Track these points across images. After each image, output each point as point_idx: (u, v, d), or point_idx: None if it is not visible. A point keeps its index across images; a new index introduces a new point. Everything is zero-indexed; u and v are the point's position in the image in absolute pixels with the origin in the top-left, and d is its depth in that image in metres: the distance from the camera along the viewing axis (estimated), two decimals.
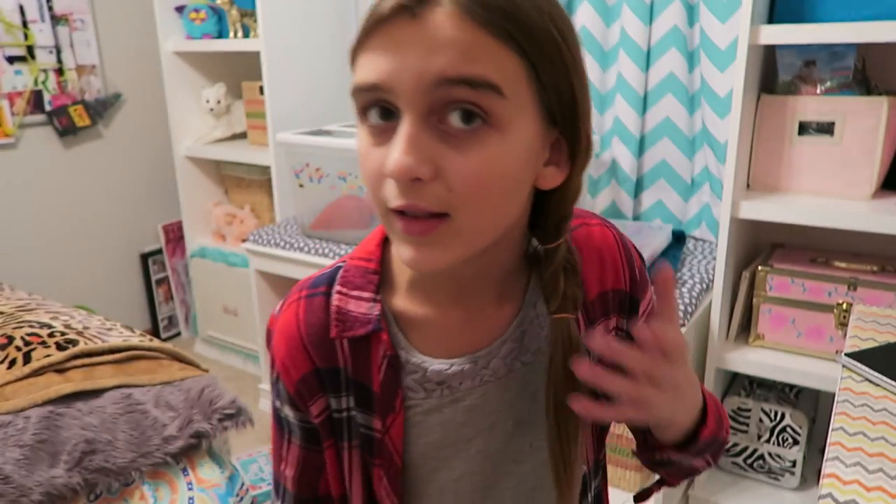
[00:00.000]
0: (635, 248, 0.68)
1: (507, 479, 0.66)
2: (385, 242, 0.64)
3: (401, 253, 0.52)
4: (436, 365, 0.61)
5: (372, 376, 0.61)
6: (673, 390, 0.54)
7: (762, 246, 1.78)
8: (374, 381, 0.61)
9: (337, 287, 0.61)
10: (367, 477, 0.64)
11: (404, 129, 0.48)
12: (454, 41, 0.46)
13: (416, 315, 0.61)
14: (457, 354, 0.61)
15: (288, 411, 0.64)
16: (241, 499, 1.26)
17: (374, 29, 0.48)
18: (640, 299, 0.67)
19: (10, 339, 1.31)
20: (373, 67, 0.48)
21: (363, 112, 0.51)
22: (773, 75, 1.55)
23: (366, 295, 0.61)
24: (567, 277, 0.58)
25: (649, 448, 0.65)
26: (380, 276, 0.61)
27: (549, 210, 0.58)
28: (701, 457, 0.64)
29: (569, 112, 0.52)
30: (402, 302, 0.61)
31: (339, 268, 0.63)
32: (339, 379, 0.61)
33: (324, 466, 0.65)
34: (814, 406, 1.76)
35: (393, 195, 0.49)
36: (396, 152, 0.47)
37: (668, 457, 0.63)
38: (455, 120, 0.48)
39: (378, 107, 0.49)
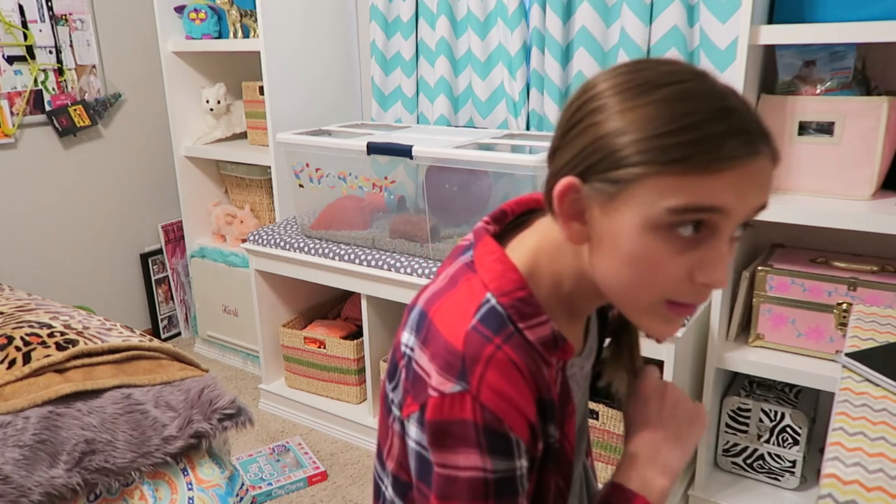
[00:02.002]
0: None
1: (583, 440, 0.80)
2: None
3: (655, 328, 0.62)
4: (583, 364, 0.73)
5: (550, 388, 0.65)
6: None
7: (762, 246, 1.78)
8: (552, 392, 0.65)
9: (519, 324, 0.63)
10: (539, 486, 0.68)
11: (725, 248, 0.57)
12: (770, 181, 0.57)
13: (562, 330, 0.68)
14: (584, 354, 0.74)
15: (524, 462, 0.61)
16: (241, 499, 1.26)
17: (727, 162, 0.53)
18: None
19: (10, 339, 1.31)
20: (721, 194, 0.54)
21: (671, 225, 0.56)
22: (772, 75, 1.55)
23: (542, 319, 0.64)
24: None
25: None
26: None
27: None
28: None
29: None
30: (553, 321, 0.68)
31: (490, 307, 0.62)
32: (547, 406, 0.64)
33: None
34: (814, 406, 1.76)
35: (686, 294, 0.59)
36: (722, 271, 0.57)
37: None
38: (737, 232, 0.59)
39: (695, 223, 0.56)
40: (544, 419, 0.64)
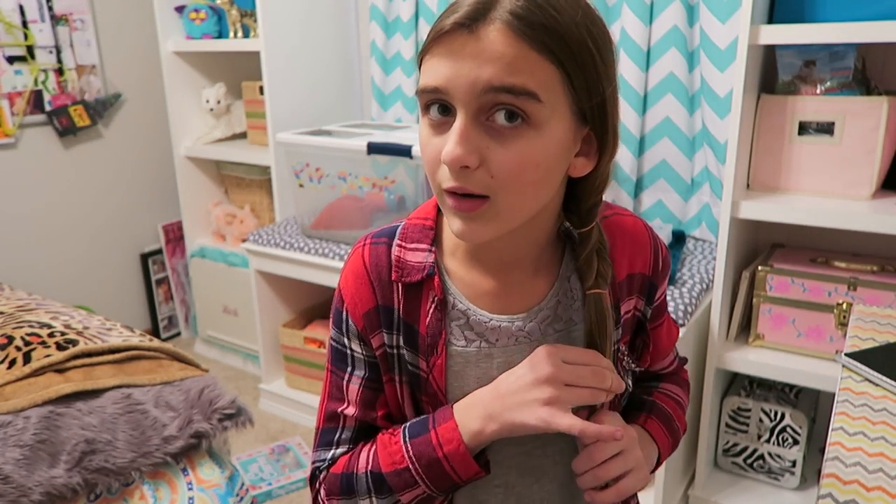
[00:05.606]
0: (661, 240, 0.77)
1: (544, 441, 0.72)
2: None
3: (451, 225, 0.62)
4: (478, 315, 0.69)
5: (420, 319, 0.69)
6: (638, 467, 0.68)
7: (762, 246, 1.79)
8: (421, 324, 0.69)
9: (397, 241, 0.71)
10: (418, 408, 0.72)
11: (457, 125, 0.57)
12: (501, 55, 0.55)
13: (462, 273, 0.70)
14: (496, 314, 0.69)
15: (356, 346, 0.72)
16: (241, 499, 1.26)
17: (437, 40, 0.57)
18: (657, 286, 0.75)
19: (10, 339, 1.31)
20: (434, 73, 0.57)
21: (426, 108, 0.60)
22: (773, 75, 1.55)
23: (422, 247, 0.70)
24: (600, 257, 0.68)
25: None
26: (434, 232, 0.71)
27: (581, 196, 0.67)
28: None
29: (599, 111, 0.60)
30: (452, 260, 0.71)
31: (399, 225, 0.72)
32: (392, 317, 0.70)
33: (380, 398, 0.73)
34: (814, 406, 1.76)
35: (446, 178, 0.59)
36: (450, 144, 0.57)
37: None
38: (500, 118, 0.57)
39: (438, 104, 0.59)
40: (390, 330, 0.70)
